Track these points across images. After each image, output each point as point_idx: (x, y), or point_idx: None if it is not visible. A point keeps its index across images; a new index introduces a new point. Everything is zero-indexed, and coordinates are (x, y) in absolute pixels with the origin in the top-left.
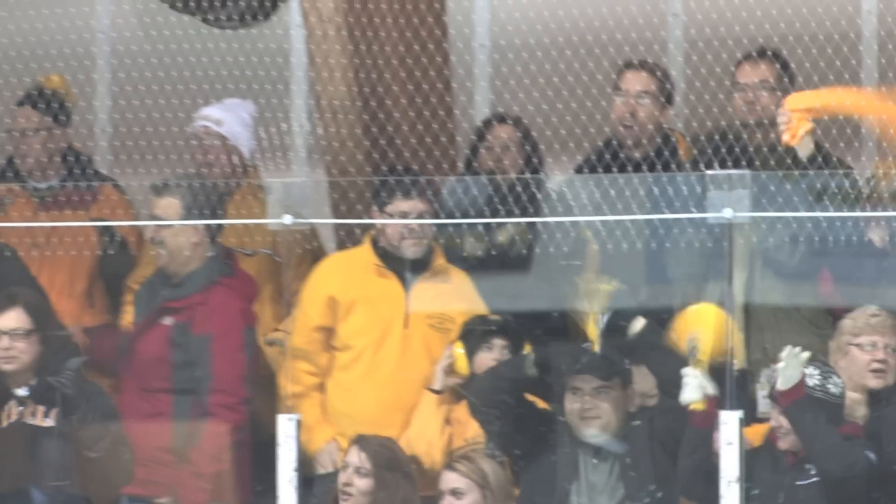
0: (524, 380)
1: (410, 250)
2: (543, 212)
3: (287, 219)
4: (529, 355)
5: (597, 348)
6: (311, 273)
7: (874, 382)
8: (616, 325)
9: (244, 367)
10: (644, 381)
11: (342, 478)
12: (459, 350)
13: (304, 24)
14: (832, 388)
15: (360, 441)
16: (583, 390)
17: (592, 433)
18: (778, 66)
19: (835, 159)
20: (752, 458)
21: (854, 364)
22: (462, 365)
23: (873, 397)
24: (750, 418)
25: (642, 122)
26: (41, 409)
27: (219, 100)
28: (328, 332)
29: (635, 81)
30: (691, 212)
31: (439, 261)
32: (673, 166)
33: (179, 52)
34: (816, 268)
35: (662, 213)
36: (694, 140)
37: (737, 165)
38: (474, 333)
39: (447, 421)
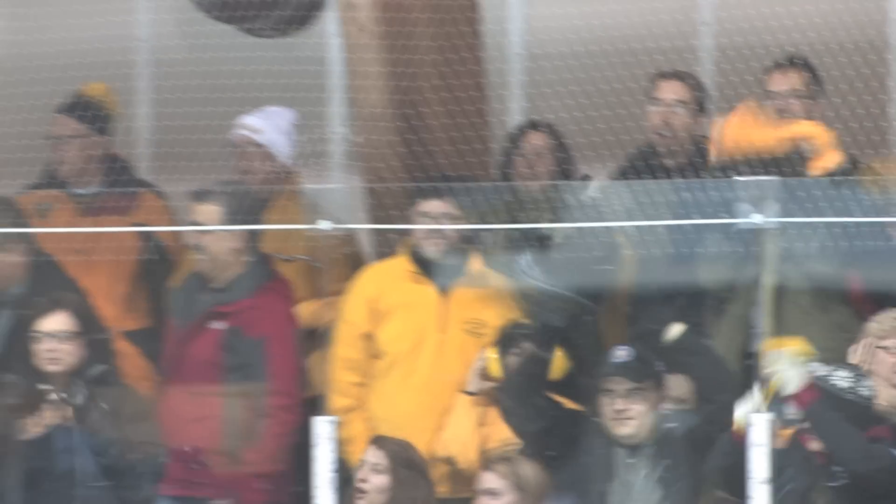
0: (554, 382)
1: (432, 249)
2: (576, 218)
3: (324, 224)
4: (557, 357)
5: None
6: (350, 279)
7: None
8: (651, 329)
9: (299, 369)
10: (679, 386)
11: (359, 475)
12: (492, 354)
13: (341, 34)
14: (863, 391)
15: (378, 441)
16: (616, 392)
17: (626, 434)
18: (807, 73)
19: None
20: (781, 459)
21: (881, 366)
22: (495, 368)
23: None
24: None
25: (677, 130)
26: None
27: (257, 107)
28: (371, 339)
29: (670, 91)
30: (721, 218)
31: (475, 265)
32: (705, 174)
33: (219, 60)
34: (844, 272)
35: (692, 219)
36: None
37: (766, 172)
38: (506, 338)
39: (481, 422)
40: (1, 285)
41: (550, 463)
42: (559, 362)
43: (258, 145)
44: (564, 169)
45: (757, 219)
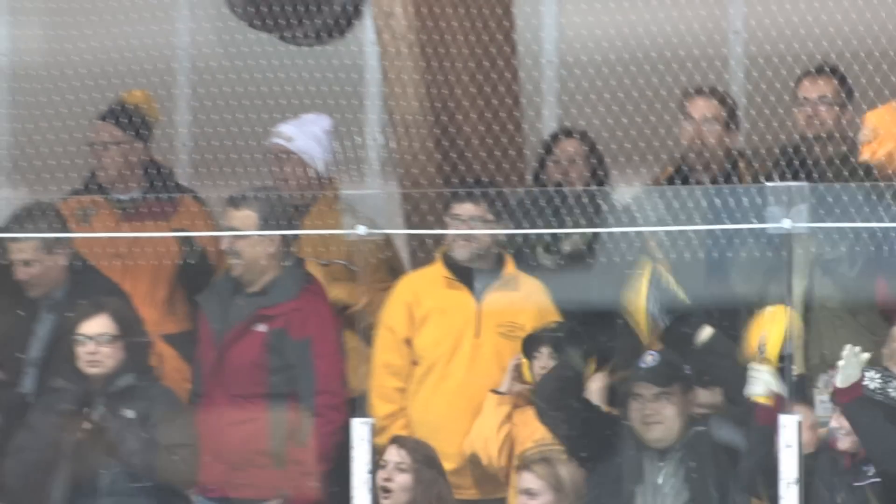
0: (585, 385)
1: (461, 251)
2: (608, 223)
3: (361, 229)
4: (584, 359)
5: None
6: (386, 283)
7: None
8: (681, 332)
9: (344, 369)
10: (710, 394)
11: (381, 475)
12: (524, 357)
13: (377, 42)
14: (892, 392)
15: (398, 440)
16: (644, 396)
17: (654, 437)
18: (837, 81)
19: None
20: (810, 461)
21: None
22: (527, 371)
23: None
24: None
25: (711, 146)
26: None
27: (295, 114)
28: (410, 344)
29: (703, 107)
30: (752, 223)
31: (509, 270)
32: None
33: (257, 68)
34: (873, 276)
35: (723, 224)
36: (755, 153)
37: (796, 178)
38: (535, 341)
39: (506, 420)
40: (43, 289)
41: (583, 464)
42: (587, 366)
43: (291, 153)
44: (597, 175)
45: (787, 224)
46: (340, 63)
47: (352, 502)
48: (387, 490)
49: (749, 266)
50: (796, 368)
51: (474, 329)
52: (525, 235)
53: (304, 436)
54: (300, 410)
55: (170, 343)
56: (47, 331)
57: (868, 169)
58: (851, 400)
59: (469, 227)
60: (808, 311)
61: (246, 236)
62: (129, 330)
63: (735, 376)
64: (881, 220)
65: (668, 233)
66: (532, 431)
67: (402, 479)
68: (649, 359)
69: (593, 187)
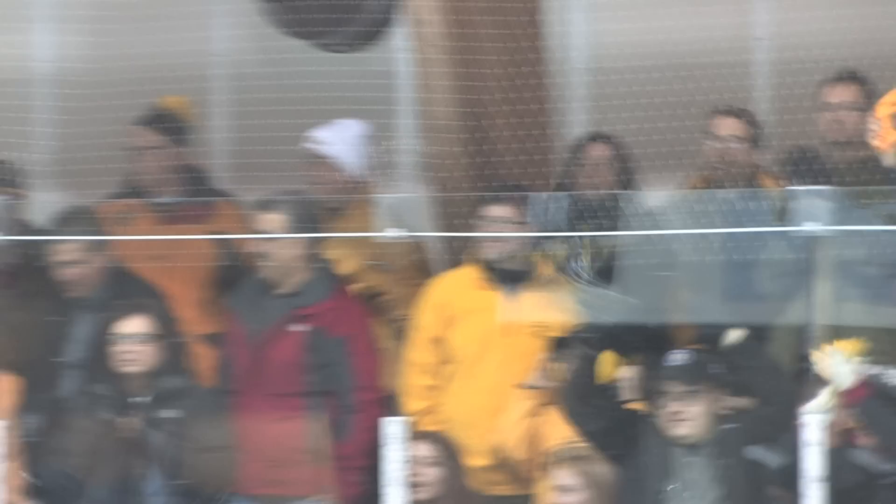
0: (609, 383)
1: (494, 253)
2: (636, 226)
3: (394, 232)
4: (608, 360)
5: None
6: (418, 284)
7: None
8: (710, 334)
9: (380, 365)
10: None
11: (410, 470)
12: (552, 356)
13: (410, 48)
14: None
15: (425, 435)
16: (672, 394)
17: (681, 435)
18: (860, 87)
19: None
20: (834, 458)
21: None
22: (556, 370)
23: None
24: None
25: (736, 164)
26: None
27: (330, 119)
28: (442, 343)
29: (726, 127)
30: (777, 226)
31: (540, 271)
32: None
33: (293, 74)
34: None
35: (748, 227)
36: (778, 158)
37: (818, 182)
38: (559, 343)
39: (530, 414)
40: (84, 290)
41: (611, 461)
42: (610, 364)
43: (326, 157)
44: (626, 179)
45: (811, 227)
46: (374, 69)
47: (384, 499)
48: (417, 484)
49: (773, 269)
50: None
51: (506, 328)
52: (555, 237)
53: (344, 432)
54: (338, 407)
55: (207, 343)
56: (87, 332)
57: (879, 172)
58: (864, 399)
59: (500, 229)
60: (832, 311)
61: (274, 239)
62: (166, 330)
63: (763, 377)
64: None
65: (689, 235)
66: (559, 430)
67: (432, 473)
68: (678, 357)
69: (621, 191)
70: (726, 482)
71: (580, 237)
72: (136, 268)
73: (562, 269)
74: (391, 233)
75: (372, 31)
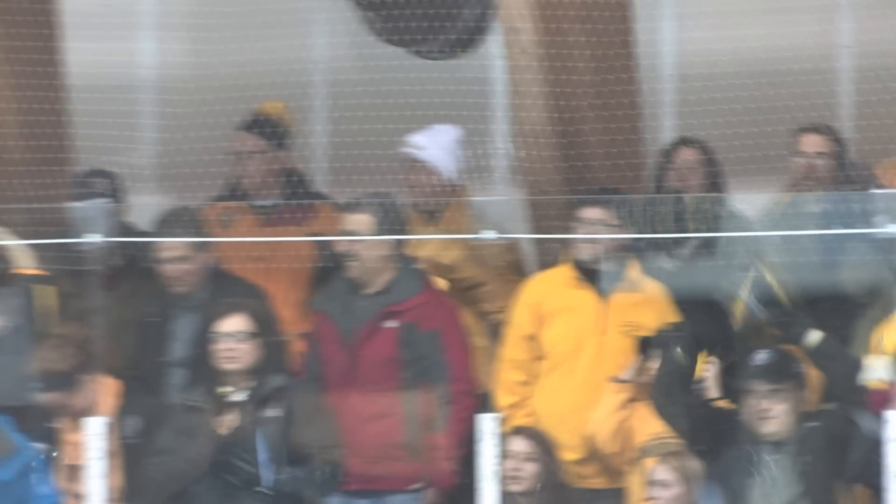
0: (697, 380)
1: (588, 254)
2: (724, 228)
3: (489, 234)
4: (697, 357)
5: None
6: (512, 284)
7: None
8: (794, 333)
9: (472, 357)
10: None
11: (508, 465)
12: (644, 355)
13: (504, 56)
14: None
15: (521, 431)
16: (758, 392)
17: (767, 432)
18: None
19: None
20: None
21: None
22: (646, 368)
23: None
24: None
25: (821, 179)
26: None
27: (426, 125)
28: (535, 340)
29: (811, 143)
30: (860, 228)
31: (632, 272)
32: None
33: (391, 81)
34: None
35: (834, 229)
36: (864, 162)
37: None
38: (648, 342)
39: (622, 408)
40: (188, 287)
41: (700, 457)
42: (699, 364)
43: (423, 161)
44: (714, 182)
45: (893, 229)
46: (469, 76)
47: (479, 493)
48: (515, 479)
49: (857, 269)
50: None
51: (599, 327)
52: (648, 239)
53: (439, 423)
54: (433, 399)
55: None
56: (189, 332)
57: None
58: None
59: (594, 230)
60: None
61: (365, 240)
62: (265, 329)
63: (844, 376)
64: None
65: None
66: (649, 425)
67: (530, 468)
68: (763, 356)
69: (710, 193)
70: (806, 479)
71: (671, 239)
72: (236, 268)
73: (653, 269)
74: (486, 234)
75: (466, 38)
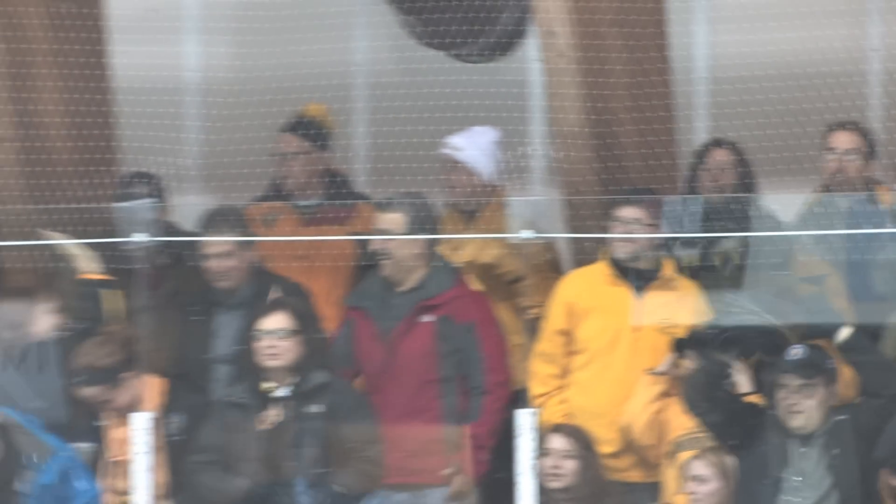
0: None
1: (624, 252)
2: (756, 228)
3: (527, 233)
4: (731, 354)
5: None
6: (550, 282)
7: None
8: (824, 330)
9: (507, 348)
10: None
11: (548, 462)
12: (678, 352)
13: (541, 59)
14: None
15: (560, 429)
16: (789, 387)
17: (798, 426)
18: None
19: None
20: None
21: None
22: (680, 365)
23: None
24: None
25: (852, 177)
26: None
27: (465, 127)
28: (569, 336)
29: (842, 140)
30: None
31: (667, 271)
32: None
33: (430, 83)
34: None
35: (864, 229)
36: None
37: None
38: (681, 343)
39: (657, 400)
40: (233, 283)
41: (732, 451)
42: (734, 360)
43: (462, 162)
44: (746, 183)
45: None
46: (507, 79)
47: (517, 487)
48: (556, 476)
49: (887, 268)
50: None
51: (633, 324)
52: (679, 238)
53: (474, 413)
54: (469, 390)
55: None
56: (233, 329)
57: None
58: None
59: (630, 229)
60: None
61: (399, 238)
62: (307, 326)
63: (874, 371)
64: None
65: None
66: (684, 420)
67: (570, 465)
68: (795, 352)
69: (742, 194)
70: (836, 472)
71: (706, 238)
72: (279, 267)
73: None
74: (525, 234)
75: (505, 42)
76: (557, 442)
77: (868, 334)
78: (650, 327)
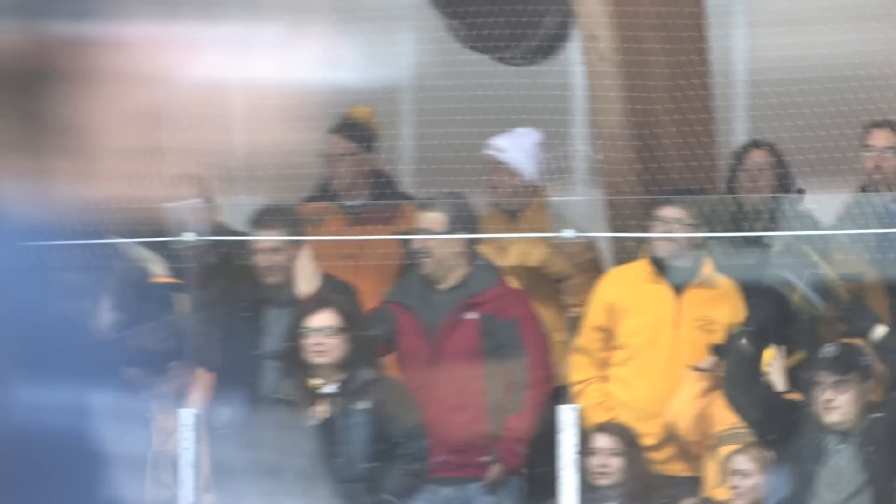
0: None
1: (664, 251)
2: (794, 228)
3: (569, 233)
4: (763, 351)
5: None
6: (591, 281)
7: None
8: (860, 327)
9: (548, 344)
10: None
11: (595, 461)
12: (717, 349)
13: (583, 62)
14: None
15: (605, 428)
16: (824, 384)
17: (833, 422)
18: None
19: None
20: None
21: None
22: (720, 362)
23: None
24: None
25: (889, 174)
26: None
27: (508, 128)
28: (607, 332)
29: (881, 138)
30: None
31: (707, 269)
32: None
33: (475, 86)
34: None
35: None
36: None
37: None
38: (729, 336)
39: (702, 395)
40: (282, 278)
41: (770, 446)
42: (766, 357)
43: (505, 163)
44: (784, 183)
45: None
46: (550, 81)
47: (559, 483)
48: (603, 474)
49: None
50: None
51: (674, 321)
52: (718, 237)
53: (515, 406)
54: (512, 386)
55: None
56: (281, 325)
57: None
58: None
59: (671, 228)
60: None
61: (439, 237)
62: (353, 324)
63: None
64: None
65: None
66: (727, 415)
67: (616, 463)
68: (830, 349)
69: (780, 194)
70: (870, 469)
71: (744, 237)
72: (326, 265)
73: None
74: (567, 234)
75: (548, 45)
76: (603, 441)
77: None
78: (690, 325)
